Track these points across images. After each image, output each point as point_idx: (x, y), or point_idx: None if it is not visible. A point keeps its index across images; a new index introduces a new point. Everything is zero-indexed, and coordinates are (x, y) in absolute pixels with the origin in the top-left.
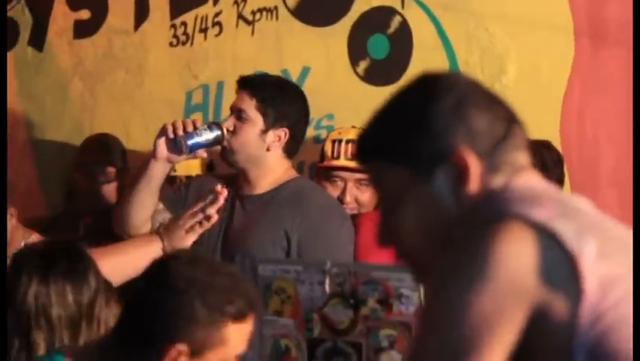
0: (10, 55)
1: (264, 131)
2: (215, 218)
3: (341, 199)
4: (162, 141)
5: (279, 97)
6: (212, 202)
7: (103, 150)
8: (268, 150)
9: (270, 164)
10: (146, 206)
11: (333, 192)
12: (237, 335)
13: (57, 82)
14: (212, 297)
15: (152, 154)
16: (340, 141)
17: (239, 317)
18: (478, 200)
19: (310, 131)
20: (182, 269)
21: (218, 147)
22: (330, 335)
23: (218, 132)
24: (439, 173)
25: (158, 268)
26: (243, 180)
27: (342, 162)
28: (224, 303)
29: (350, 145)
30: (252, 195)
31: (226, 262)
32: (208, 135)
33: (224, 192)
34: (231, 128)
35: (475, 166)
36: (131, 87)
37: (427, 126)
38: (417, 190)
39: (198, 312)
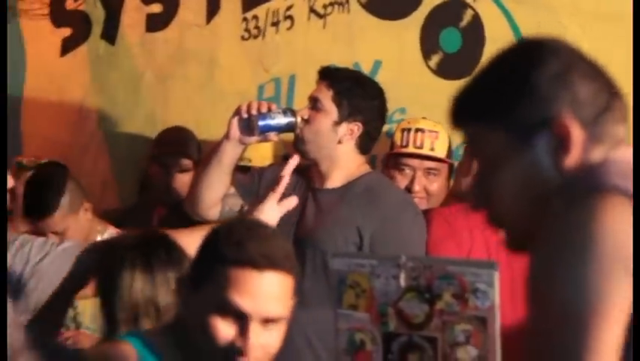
0: (82, 48)
1: (337, 123)
2: (294, 201)
3: (409, 188)
4: (235, 121)
5: (356, 91)
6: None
7: (178, 142)
8: (340, 142)
9: (341, 157)
10: (216, 188)
11: (402, 181)
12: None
13: (129, 75)
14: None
15: (225, 134)
16: (409, 130)
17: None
18: (578, 171)
19: None
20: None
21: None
22: (406, 329)
23: (292, 119)
24: (540, 140)
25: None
26: (315, 172)
27: (411, 149)
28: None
29: (419, 134)
30: (324, 189)
31: (297, 254)
32: (281, 120)
33: (295, 158)
34: (306, 117)
35: (577, 135)
36: (202, 81)
37: (530, 91)
38: (515, 156)
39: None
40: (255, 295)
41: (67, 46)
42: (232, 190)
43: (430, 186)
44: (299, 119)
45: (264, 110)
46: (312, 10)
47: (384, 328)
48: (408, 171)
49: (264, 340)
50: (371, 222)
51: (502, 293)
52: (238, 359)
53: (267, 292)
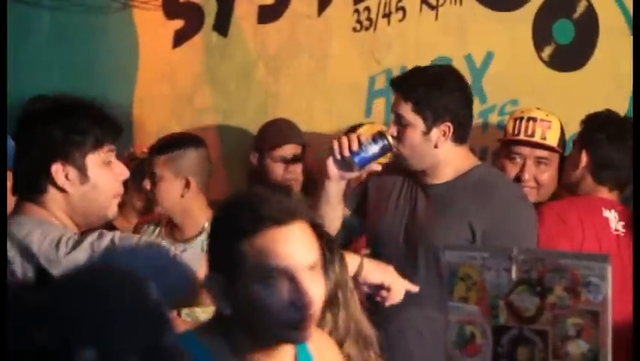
0: (195, 40)
1: (427, 132)
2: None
3: (519, 177)
4: (331, 162)
5: (433, 93)
6: None
7: (284, 132)
8: (436, 147)
9: (443, 158)
10: (333, 220)
11: (512, 170)
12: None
13: (241, 67)
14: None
15: (325, 175)
16: (521, 119)
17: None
18: None
19: (494, 118)
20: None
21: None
22: (516, 323)
23: (384, 142)
24: None
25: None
26: (421, 173)
27: (522, 137)
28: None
29: (531, 122)
30: (433, 185)
31: (409, 251)
32: (374, 148)
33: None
34: (395, 135)
35: None
36: (314, 72)
37: None
38: None
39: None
40: (290, 247)
41: (180, 37)
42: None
43: (540, 176)
44: (390, 139)
45: (355, 147)
46: (424, 2)
47: (495, 321)
48: (518, 159)
49: (313, 290)
50: (484, 217)
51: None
52: (304, 315)
53: (299, 241)
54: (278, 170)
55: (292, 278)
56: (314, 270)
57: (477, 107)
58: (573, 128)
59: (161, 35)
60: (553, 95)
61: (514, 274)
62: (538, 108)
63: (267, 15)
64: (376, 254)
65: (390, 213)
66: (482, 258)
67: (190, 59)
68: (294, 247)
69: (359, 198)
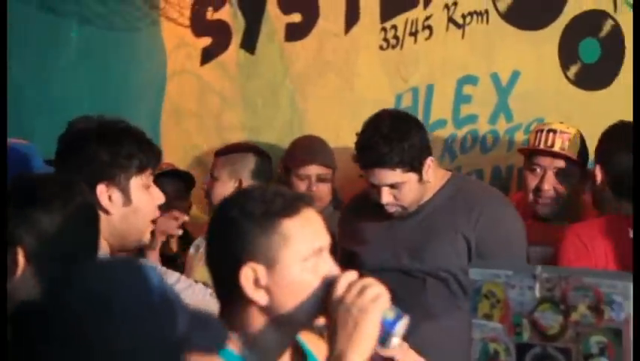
0: (222, 58)
1: (421, 178)
2: None
3: (539, 187)
4: None
5: (407, 147)
6: None
7: (312, 152)
8: (428, 181)
9: (429, 185)
10: None
11: (533, 180)
12: (298, 229)
13: (268, 84)
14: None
15: None
16: (542, 131)
17: (290, 212)
18: None
19: (520, 136)
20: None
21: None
22: (540, 340)
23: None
24: None
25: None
26: None
27: (542, 147)
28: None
29: (551, 134)
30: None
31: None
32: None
33: None
34: (391, 201)
35: None
36: (341, 90)
37: None
38: None
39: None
40: (313, 229)
41: (208, 55)
42: None
43: (559, 186)
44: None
45: None
46: (450, 20)
47: (518, 338)
48: (539, 170)
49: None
50: (472, 226)
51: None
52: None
53: (319, 224)
54: (302, 188)
55: (326, 257)
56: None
57: (503, 125)
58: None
59: (189, 53)
60: (578, 113)
61: (537, 292)
62: (560, 122)
63: (294, 33)
64: None
65: (376, 240)
66: (506, 276)
67: (218, 77)
68: (316, 228)
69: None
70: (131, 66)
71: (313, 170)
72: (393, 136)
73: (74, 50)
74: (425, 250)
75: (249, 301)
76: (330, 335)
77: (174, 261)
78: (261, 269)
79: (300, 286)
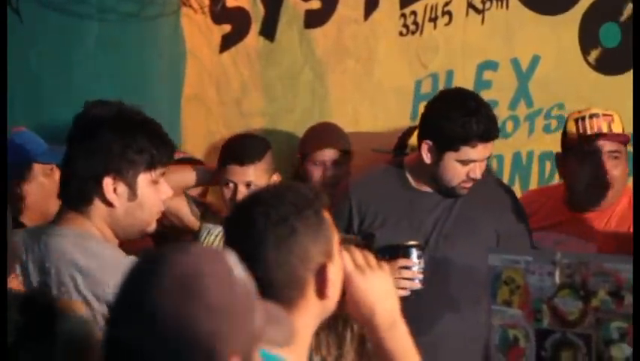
0: (242, 45)
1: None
2: None
3: (597, 174)
4: None
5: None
6: None
7: (325, 137)
8: None
9: None
10: None
11: (586, 169)
12: None
13: (288, 71)
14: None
15: None
16: (583, 118)
17: None
18: None
19: (540, 121)
20: None
21: None
22: (560, 326)
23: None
24: None
25: None
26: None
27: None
28: None
29: (595, 119)
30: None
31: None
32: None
33: None
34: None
35: None
36: (360, 76)
37: None
38: None
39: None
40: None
41: (227, 42)
42: None
43: (613, 171)
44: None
45: None
46: (470, 6)
47: (538, 324)
48: (591, 158)
49: None
50: (499, 220)
51: None
52: None
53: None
54: (317, 173)
55: None
56: None
57: (523, 110)
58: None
59: (209, 40)
60: (599, 98)
61: (557, 278)
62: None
63: (313, 20)
64: None
65: (406, 219)
66: (526, 262)
67: (237, 64)
68: None
69: (347, 215)
70: (150, 54)
71: (327, 154)
72: (489, 110)
73: (94, 39)
74: (457, 237)
75: (312, 300)
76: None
77: None
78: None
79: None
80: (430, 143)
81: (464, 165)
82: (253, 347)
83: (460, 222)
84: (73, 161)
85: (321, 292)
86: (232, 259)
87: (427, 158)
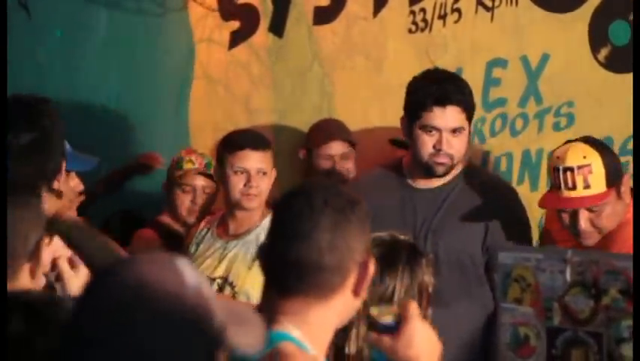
0: (250, 41)
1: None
2: None
3: (576, 227)
4: None
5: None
6: None
7: (331, 130)
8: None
9: None
10: None
11: (568, 220)
12: None
13: (296, 68)
14: None
15: None
16: (559, 170)
17: None
18: None
19: (549, 119)
20: None
21: None
22: (570, 325)
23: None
24: None
25: None
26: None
27: (565, 194)
28: None
29: (569, 174)
30: (437, 187)
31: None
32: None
33: None
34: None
35: None
36: (369, 73)
37: None
38: None
39: None
40: None
41: (236, 38)
42: None
43: (597, 220)
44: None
45: None
46: (480, 3)
47: (549, 323)
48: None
49: None
50: (492, 214)
51: None
52: None
53: None
54: (325, 167)
55: None
56: None
57: (533, 108)
58: (628, 131)
59: (218, 36)
60: (609, 96)
61: (568, 276)
62: (570, 142)
63: (322, 16)
64: None
65: (398, 217)
66: (536, 260)
67: (246, 60)
68: None
69: None
70: (158, 50)
71: (335, 148)
72: (458, 80)
73: (102, 35)
74: (448, 231)
75: (347, 294)
76: None
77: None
78: None
79: None
80: (403, 116)
81: (429, 135)
82: (216, 350)
83: (449, 216)
84: None
85: (357, 287)
86: (182, 265)
87: (404, 133)
